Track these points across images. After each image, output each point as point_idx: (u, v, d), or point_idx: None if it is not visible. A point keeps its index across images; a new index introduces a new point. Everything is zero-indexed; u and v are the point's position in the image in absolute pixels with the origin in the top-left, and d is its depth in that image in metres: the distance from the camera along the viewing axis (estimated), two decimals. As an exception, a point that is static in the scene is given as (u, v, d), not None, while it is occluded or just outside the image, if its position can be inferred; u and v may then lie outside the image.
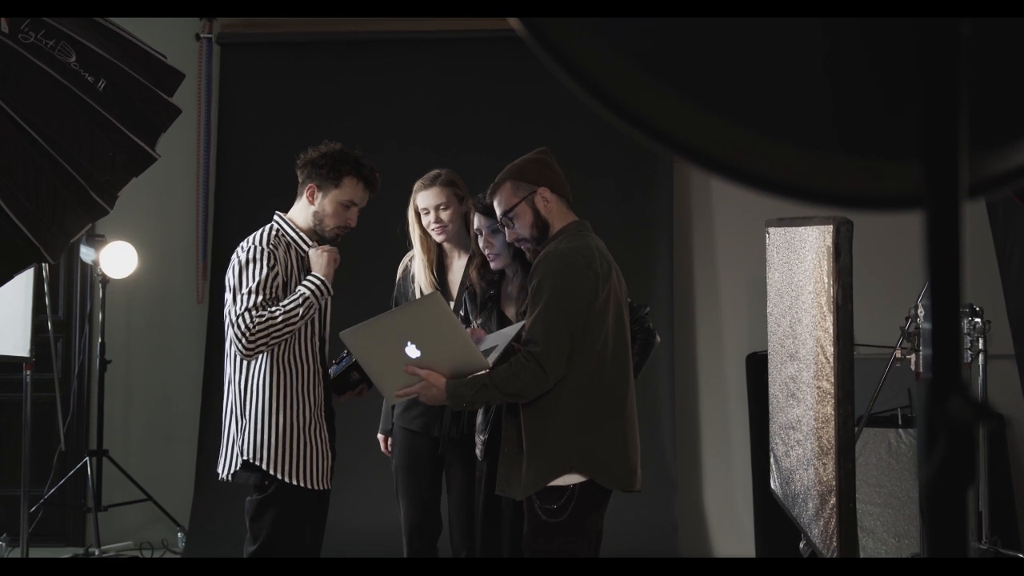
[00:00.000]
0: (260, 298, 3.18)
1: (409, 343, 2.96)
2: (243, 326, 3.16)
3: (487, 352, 3.02)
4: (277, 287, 3.24)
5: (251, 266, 3.23)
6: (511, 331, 3.09)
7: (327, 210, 3.35)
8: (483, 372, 2.96)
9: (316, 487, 3.30)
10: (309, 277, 3.28)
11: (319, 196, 3.35)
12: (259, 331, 3.16)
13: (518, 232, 3.10)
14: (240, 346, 3.18)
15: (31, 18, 2.65)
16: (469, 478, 3.65)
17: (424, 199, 3.67)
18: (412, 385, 3.00)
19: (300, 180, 3.41)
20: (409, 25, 5.52)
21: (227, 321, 3.25)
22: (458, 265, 3.75)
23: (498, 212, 3.14)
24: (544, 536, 2.97)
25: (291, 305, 3.20)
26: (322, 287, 3.27)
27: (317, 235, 3.39)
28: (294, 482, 3.25)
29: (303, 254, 3.35)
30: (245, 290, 3.21)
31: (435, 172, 3.73)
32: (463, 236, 3.71)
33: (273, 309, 3.18)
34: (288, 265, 3.30)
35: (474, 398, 2.97)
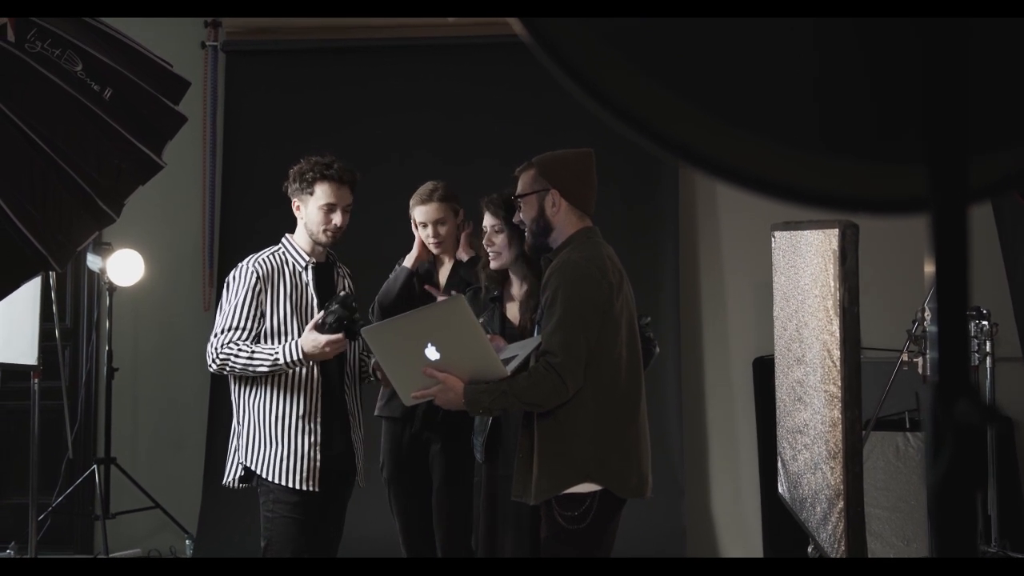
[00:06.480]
0: (234, 321, 3.39)
1: (429, 345, 2.94)
2: (210, 347, 3.42)
3: (506, 361, 3.00)
4: (259, 306, 3.42)
5: (232, 285, 3.46)
6: (533, 342, 3.06)
7: (312, 218, 3.50)
8: (502, 379, 2.94)
9: (298, 487, 3.39)
10: (294, 348, 3.35)
11: (303, 208, 3.52)
12: (221, 358, 3.39)
13: (522, 218, 3.11)
14: (208, 360, 3.43)
15: (37, 27, 2.65)
16: (451, 483, 3.77)
17: (422, 214, 3.77)
18: (430, 388, 2.99)
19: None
20: (414, 32, 5.52)
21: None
22: (445, 268, 3.86)
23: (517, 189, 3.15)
24: (564, 543, 2.95)
25: (259, 357, 3.36)
26: (297, 362, 3.36)
27: (318, 245, 3.53)
28: (276, 480, 3.39)
29: (301, 269, 3.50)
30: (222, 311, 3.45)
31: (431, 186, 3.79)
32: (454, 243, 3.83)
33: (243, 348, 3.37)
34: (276, 280, 3.45)
35: (492, 404, 2.94)
